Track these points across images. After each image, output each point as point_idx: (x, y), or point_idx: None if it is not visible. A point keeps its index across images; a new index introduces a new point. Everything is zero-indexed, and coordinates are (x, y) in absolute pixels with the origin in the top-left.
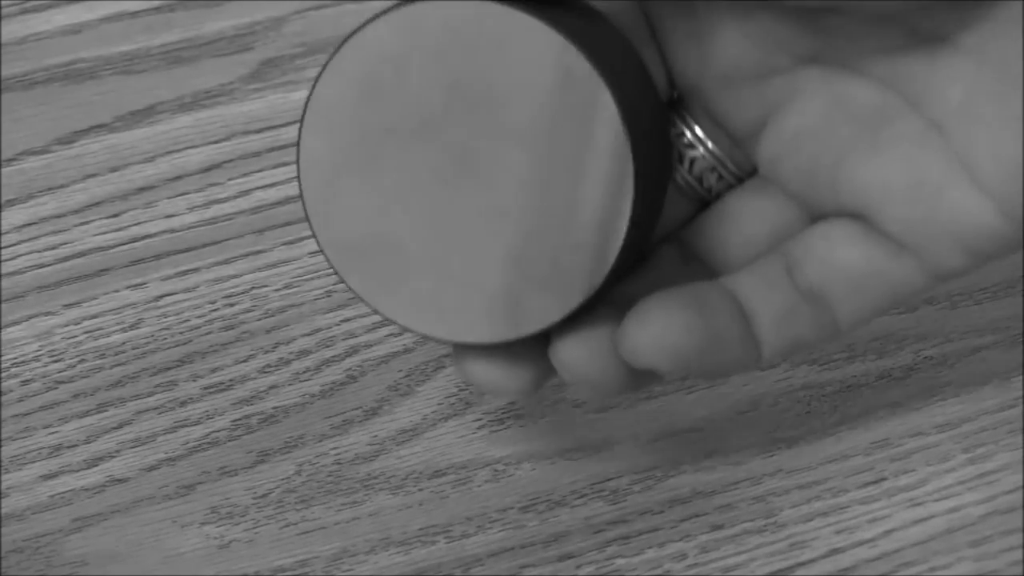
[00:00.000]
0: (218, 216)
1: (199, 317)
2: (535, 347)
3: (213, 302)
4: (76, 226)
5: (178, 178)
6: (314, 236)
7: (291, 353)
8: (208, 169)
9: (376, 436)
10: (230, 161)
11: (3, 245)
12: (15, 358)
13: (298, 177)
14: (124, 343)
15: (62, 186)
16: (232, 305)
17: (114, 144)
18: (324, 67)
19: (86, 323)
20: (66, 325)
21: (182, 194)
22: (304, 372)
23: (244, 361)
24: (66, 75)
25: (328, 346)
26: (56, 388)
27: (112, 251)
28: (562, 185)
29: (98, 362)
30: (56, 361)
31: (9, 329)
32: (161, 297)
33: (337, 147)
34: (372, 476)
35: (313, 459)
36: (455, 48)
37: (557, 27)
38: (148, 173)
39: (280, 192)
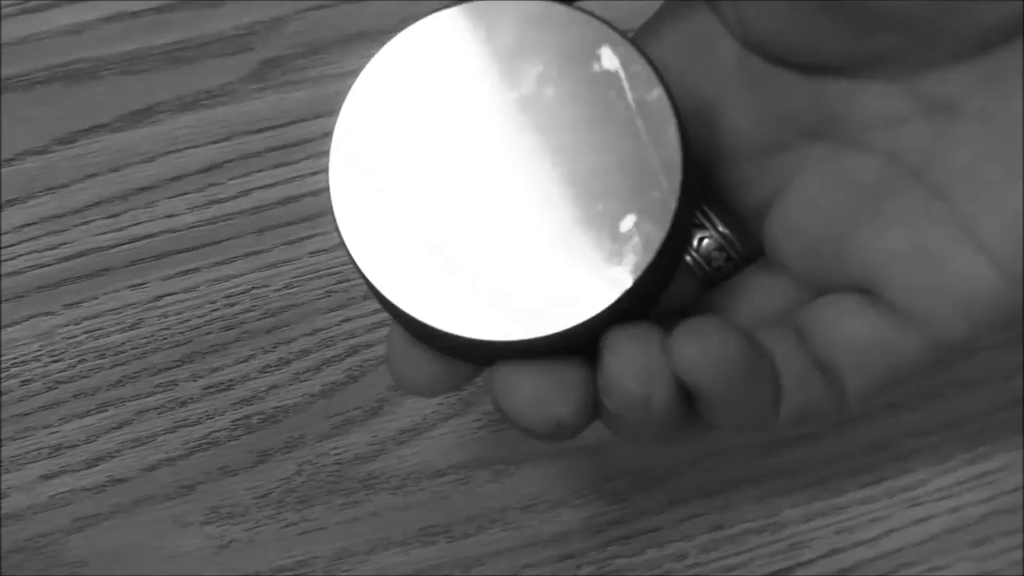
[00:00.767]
0: (218, 216)
1: (199, 317)
2: (580, 370)
3: (213, 302)
4: (76, 226)
5: (178, 178)
6: (340, 236)
7: (291, 353)
8: (208, 169)
9: (376, 436)
10: (230, 161)
11: (3, 245)
12: (15, 358)
13: (329, 171)
14: (124, 343)
15: (62, 186)
16: (232, 305)
17: (114, 144)
18: (372, 57)
19: (86, 323)
20: (66, 325)
21: (182, 194)
22: (304, 372)
23: (244, 361)
24: (66, 75)
25: (328, 346)
26: (56, 388)
27: (112, 251)
28: (607, 176)
29: (98, 362)
30: (56, 361)
31: (9, 329)
32: (161, 297)
33: (373, 146)
34: (372, 476)
35: (313, 459)
36: (512, 46)
37: (619, 31)
38: (148, 173)
39: (280, 192)
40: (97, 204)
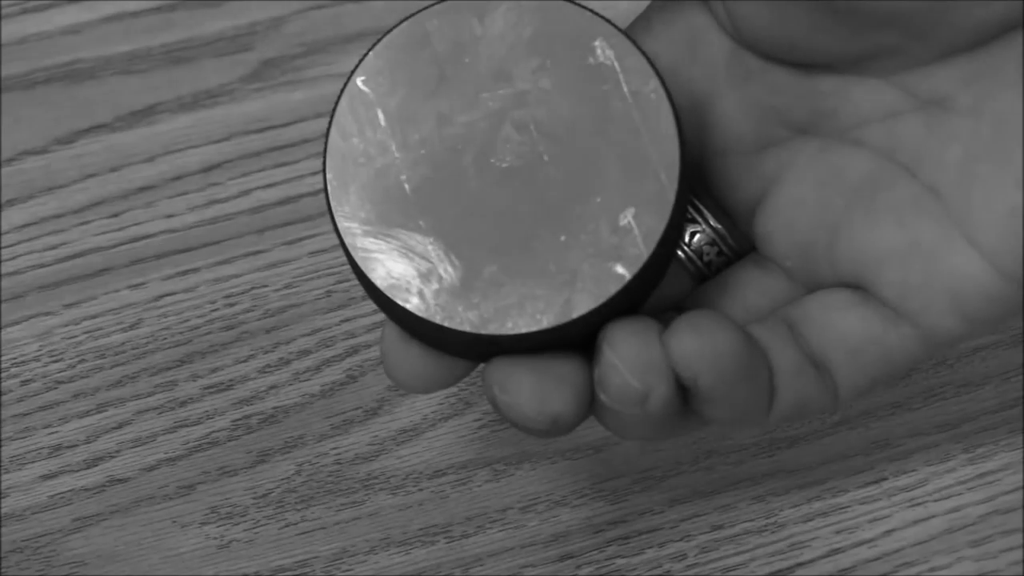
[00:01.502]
0: (218, 216)
1: (199, 317)
2: (576, 365)
3: (213, 302)
4: (76, 226)
5: (178, 178)
6: (335, 229)
7: (291, 353)
8: (208, 169)
9: (376, 436)
10: (230, 161)
11: (3, 245)
12: (15, 358)
13: (324, 171)
14: (124, 343)
15: (62, 186)
16: (232, 305)
17: (114, 144)
18: (365, 55)
19: (86, 323)
20: (66, 325)
21: (182, 194)
22: (304, 372)
23: (244, 361)
24: (66, 75)
25: (328, 346)
26: (56, 388)
27: (112, 251)
28: (605, 170)
29: (98, 362)
30: (56, 361)
31: (9, 329)
32: (161, 297)
33: (368, 142)
34: (372, 476)
35: (313, 459)
36: (507, 40)
37: (614, 25)
38: (148, 173)
39: (280, 192)
40: (97, 204)
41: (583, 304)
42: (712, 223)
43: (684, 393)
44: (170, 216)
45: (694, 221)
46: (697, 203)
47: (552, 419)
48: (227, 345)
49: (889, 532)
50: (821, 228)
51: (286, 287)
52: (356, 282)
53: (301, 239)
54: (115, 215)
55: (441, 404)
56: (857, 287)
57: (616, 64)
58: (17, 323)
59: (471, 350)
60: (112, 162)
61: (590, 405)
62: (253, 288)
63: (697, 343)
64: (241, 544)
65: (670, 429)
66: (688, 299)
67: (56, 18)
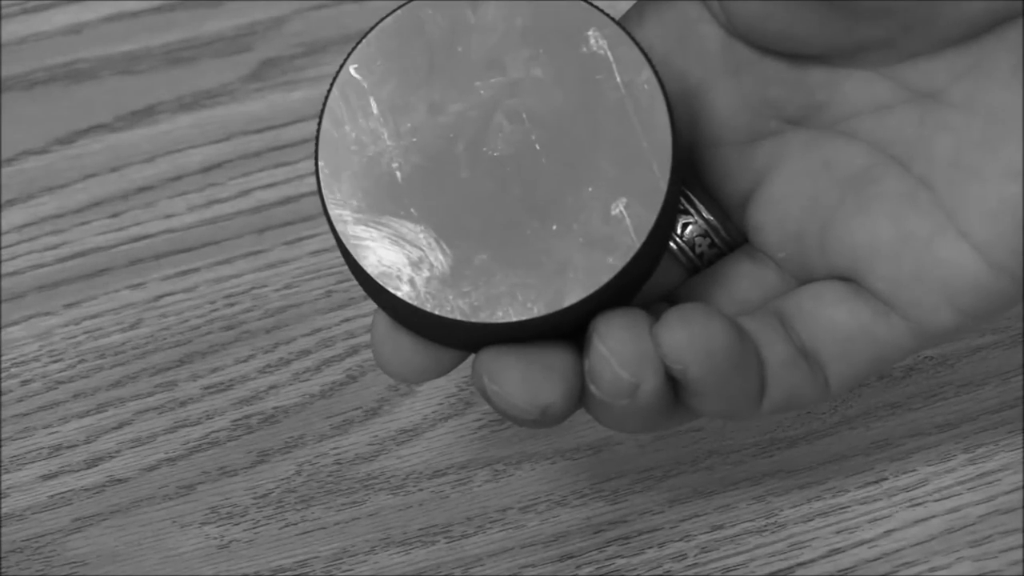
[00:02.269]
0: (218, 216)
1: (199, 317)
2: (567, 355)
3: (213, 302)
4: (76, 226)
5: (178, 178)
6: (324, 207)
7: (291, 353)
8: (208, 169)
9: (376, 436)
10: (230, 161)
11: (3, 245)
12: (15, 358)
13: (316, 158)
14: (124, 343)
15: (62, 186)
16: (232, 305)
17: (114, 144)
18: (357, 43)
19: (86, 323)
20: (66, 325)
21: (182, 194)
22: (304, 372)
23: (244, 361)
24: (66, 75)
25: (328, 346)
26: (56, 388)
27: (112, 251)
28: (597, 160)
29: (98, 362)
30: (56, 361)
31: (9, 329)
32: (161, 297)
33: (361, 131)
34: (372, 476)
35: (313, 459)
36: (500, 29)
37: (607, 15)
38: (148, 173)
39: (280, 192)
40: (97, 204)
41: (574, 293)
42: (705, 215)
43: (674, 386)
44: (170, 216)
45: (686, 212)
46: (689, 195)
47: (541, 409)
48: (227, 345)
49: (889, 532)
50: (813, 220)
51: (286, 287)
52: (356, 282)
53: (301, 239)
54: (115, 215)
55: (441, 404)
56: (849, 279)
57: (609, 54)
58: (17, 323)
59: (462, 339)
60: (112, 162)
61: (580, 396)
62: (253, 288)
63: (687, 336)
64: (241, 544)
65: (660, 421)
66: (679, 290)
67: (56, 18)
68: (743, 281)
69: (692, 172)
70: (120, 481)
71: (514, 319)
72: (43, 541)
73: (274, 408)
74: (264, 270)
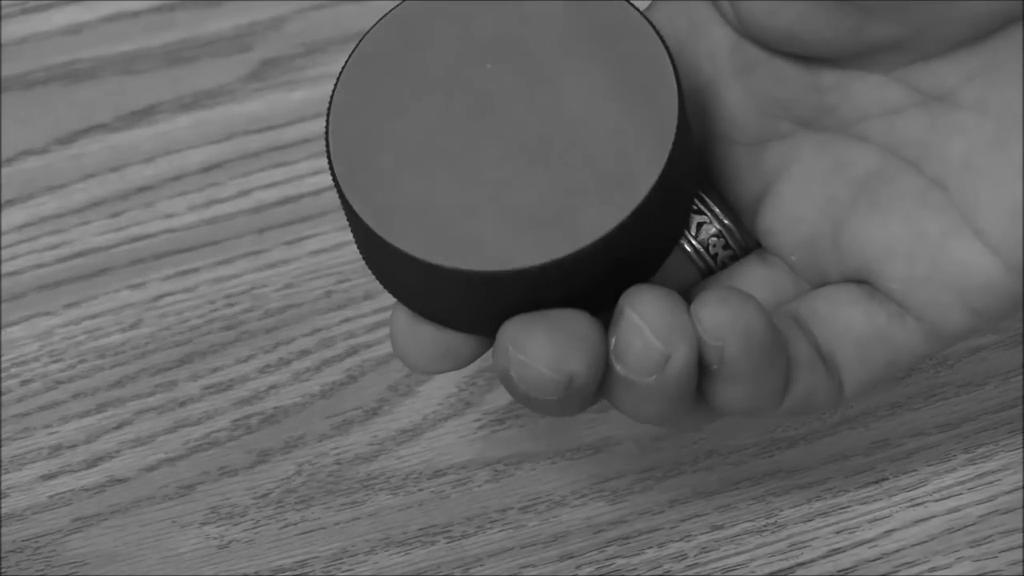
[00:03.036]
0: (218, 216)
1: (199, 317)
2: (592, 327)
3: (213, 302)
4: (76, 226)
5: (178, 178)
6: (346, 202)
7: (291, 353)
8: (208, 169)
9: (376, 436)
10: (230, 161)
11: (3, 245)
12: (15, 358)
13: (326, 139)
14: (124, 343)
15: (62, 186)
16: (232, 305)
17: (114, 144)
18: (354, 49)
19: (86, 323)
20: (66, 325)
21: (182, 194)
22: (304, 372)
23: (244, 361)
24: (66, 75)
25: (328, 346)
26: (56, 388)
27: (112, 251)
28: (604, 108)
29: (98, 362)
30: (56, 361)
31: (9, 329)
32: (161, 297)
33: (369, 114)
34: (372, 476)
35: (313, 459)
36: (500, 21)
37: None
38: (148, 173)
39: (280, 192)
40: (97, 204)
41: (587, 236)
42: (719, 214)
43: (702, 375)
44: (170, 216)
45: (700, 212)
46: (704, 196)
47: (568, 378)
48: (227, 345)
49: (889, 532)
50: (826, 221)
51: (286, 287)
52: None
53: (301, 239)
54: (115, 215)
55: (441, 404)
56: (862, 282)
57: (618, 22)
58: (17, 323)
59: (473, 299)
60: (112, 162)
61: (603, 375)
62: (253, 288)
63: (728, 313)
64: (241, 544)
65: (679, 411)
66: (693, 292)
67: (56, 18)
68: (756, 284)
69: (704, 174)
70: (120, 481)
71: (526, 265)
72: (43, 541)
73: (274, 408)
74: (264, 270)
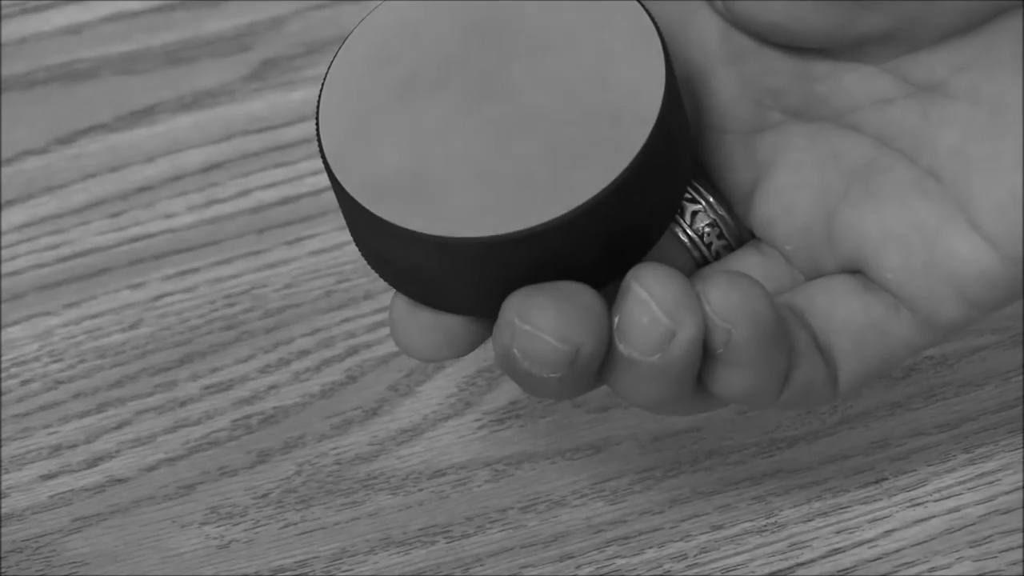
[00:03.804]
0: (218, 216)
1: (199, 317)
2: (597, 300)
3: (213, 302)
4: (76, 226)
5: (178, 178)
6: (337, 184)
7: (291, 353)
8: (208, 169)
9: (376, 436)
10: (230, 161)
11: (3, 245)
12: (15, 358)
13: (317, 128)
14: (124, 343)
15: (62, 186)
16: (232, 305)
17: (114, 144)
18: (344, 40)
19: (86, 323)
20: (66, 325)
21: (182, 194)
22: (304, 372)
23: (244, 361)
24: (66, 75)
25: (328, 346)
26: (56, 388)
27: (112, 251)
28: (592, 80)
29: (98, 362)
30: (56, 361)
31: (9, 329)
32: (161, 297)
33: (358, 99)
34: (372, 476)
35: (313, 459)
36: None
37: None
38: (148, 173)
39: (280, 192)
40: (97, 204)
41: (581, 196)
42: (713, 204)
43: (704, 361)
44: (170, 216)
45: (695, 201)
46: (698, 186)
47: (575, 349)
48: (227, 345)
49: (889, 532)
50: (821, 211)
51: (286, 287)
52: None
53: (301, 239)
54: (115, 215)
55: (441, 404)
56: (857, 272)
57: (606, 4)
58: (17, 323)
59: (470, 274)
60: (112, 162)
61: (605, 352)
62: (253, 288)
63: (736, 296)
64: (241, 544)
65: (681, 395)
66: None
67: (56, 18)
68: (752, 274)
69: (697, 164)
70: (120, 481)
71: (526, 227)
72: (43, 541)
73: (274, 408)
74: (264, 270)
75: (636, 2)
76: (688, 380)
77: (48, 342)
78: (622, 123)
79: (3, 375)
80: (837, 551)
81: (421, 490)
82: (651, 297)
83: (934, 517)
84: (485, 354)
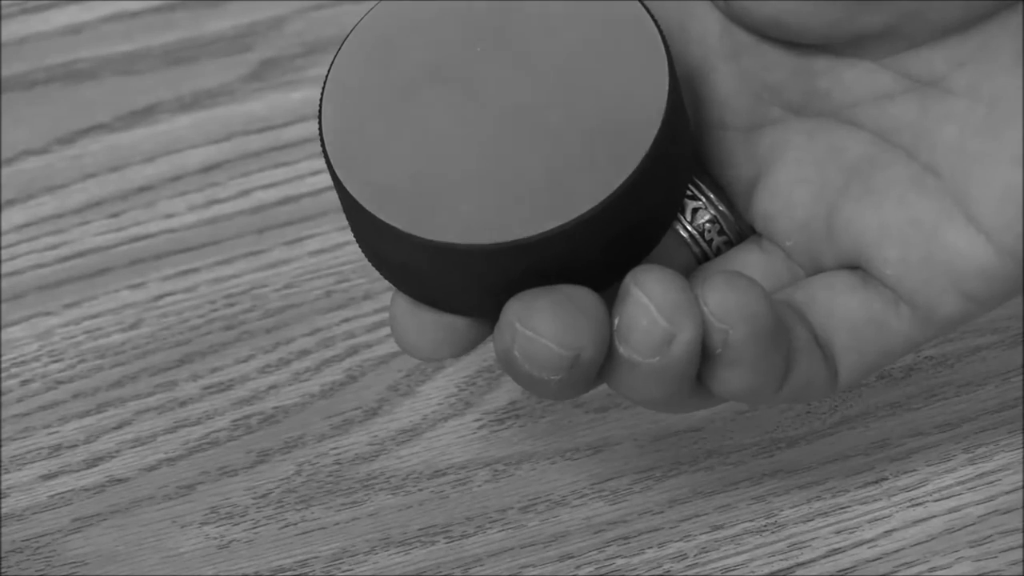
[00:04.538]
0: (218, 216)
1: (199, 317)
2: (597, 302)
3: (213, 302)
4: (76, 226)
5: (178, 178)
6: (340, 186)
7: (291, 353)
8: (208, 169)
9: (376, 436)
10: (230, 161)
11: (3, 245)
12: (15, 358)
13: (320, 130)
14: (124, 343)
15: (62, 186)
16: (232, 305)
17: (114, 144)
18: (344, 39)
19: (86, 323)
20: (66, 325)
21: (182, 194)
22: (304, 372)
23: (244, 361)
24: (66, 75)
25: (328, 346)
26: (56, 388)
27: (112, 251)
28: (595, 82)
29: (98, 362)
30: (56, 361)
31: (9, 329)
32: (161, 297)
33: (360, 99)
34: (372, 476)
35: (313, 459)
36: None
37: None
38: (148, 173)
39: (280, 192)
40: (97, 204)
41: (583, 205)
42: (713, 200)
43: (704, 360)
44: (170, 216)
45: (695, 198)
46: (698, 182)
47: (575, 352)
48: (227, 345)
49: (889, 532)
50: (821, 206)
51: (286, 287)
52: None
53: (301, 239)
54: (115, 215)
55: (441, 404)
56: (856, 267)
57: (607, 5)
58: (17, 323)
59: (472, 278)
60: (112, 162)
61: (606, 354)
62: (253, 288)
63: (734, 297)
64: (241, 544)
65: (681, 394)
66: (690, 277)
67: (56, 18)
68: (752, 271)
69: (697, 160)
70: (120, 481)
71: (529, 235)
72: (43, 541)
73: (274, 408)
74: (264, 270)
75: (638, 2)
76: (688, 379)
77: (48, 342)
78: (625, 129)
79: (3, 375)
80: (837, 551)
81: (421, 490)
82: (650, 301)
83: (934, 517)
84: (485, 354)
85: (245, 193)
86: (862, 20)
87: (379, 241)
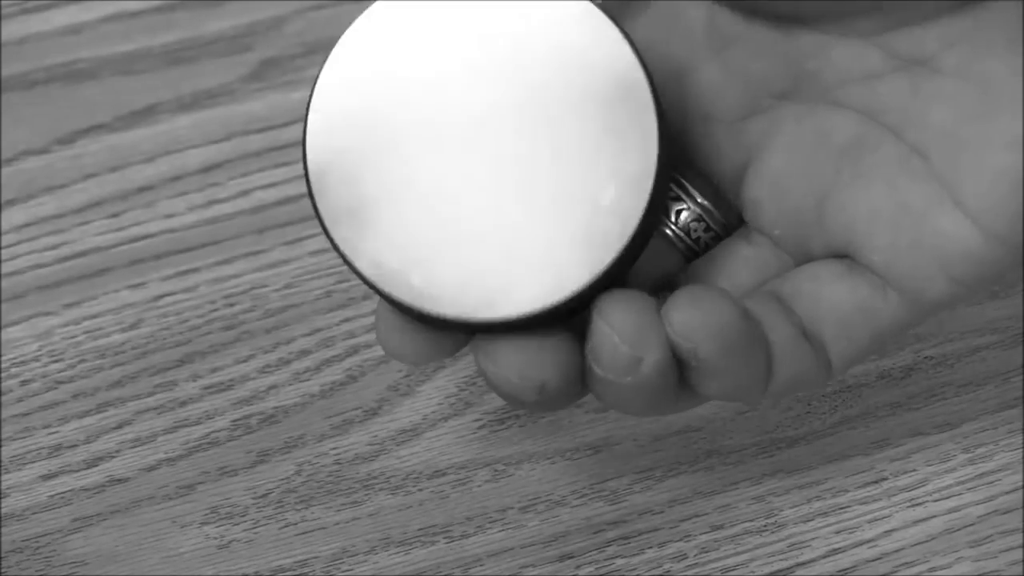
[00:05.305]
0: (218, 216)
1: (199, 317)
2: (564, 334)
3: (213, 302)
4: (76, 226)
5: (178, 178)
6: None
7: (291, 353)
8: (208, 169)
9: (376, 436)
10: (230, 161)
11: (3, 245)
12: (15, 358)
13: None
14: (124, 343)
15: (62, 186)
16: (232, 305)
17: (114, 144)
18: (328, 54)
19: (86, 323)
20: (66, 325)
21: (182, 194)
22: (304, 372)
23: (244, 361)
24: (66, 75)
25: (328, 346)
26: (56, 388)
27: (112, 251)
28: (584, 146)
29: (98, 362)
30: (56, 361)
31: (9, 329)
32: (161, 297)
33: (344, 123)
34: (372, 476)
35: (313, 459)
36: (486, 18)
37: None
38: (148, 173)
39: (280, 192)
40: (97, 204)
41: (568, 286)
42: (698, 199)
43: (681, 368)
44: (170, 216)
45: (679, 199)
46: (681, 180)
47: (538, 386)
48: (227, 345)
49: (889, 532)
50: (809, 193)
51: (286, 287)
52: (356, 282)
53: (301, 239)
54: (115, 215)
55: (441, 404)
56: (845, 256)
57: (595, 43)
58: (17, 323)
59: (459, 332)
60: (112, 162)
61: (579, 375)
62: (253, 288)
63: (699, 314)
64: (241, 544)
65: (665, 402)
66: (678, 278)
67: (56, 18)
68: (741, 264)
69: (683, 153)
70: (120, 481)
71: (508, 316)
72: (43, 541)
73: (274, 408)
74: (264, 270)
75: (626, 44)
76: (667, 391)
77: (48, 342)
78: (612, 203)
79: (3, 375)
80: (837, 551)
81: (421, 490)
82: (612, 329)
83: (934, 517)
84: None
85: (245, 193)
86: None
87: (365, 283)
